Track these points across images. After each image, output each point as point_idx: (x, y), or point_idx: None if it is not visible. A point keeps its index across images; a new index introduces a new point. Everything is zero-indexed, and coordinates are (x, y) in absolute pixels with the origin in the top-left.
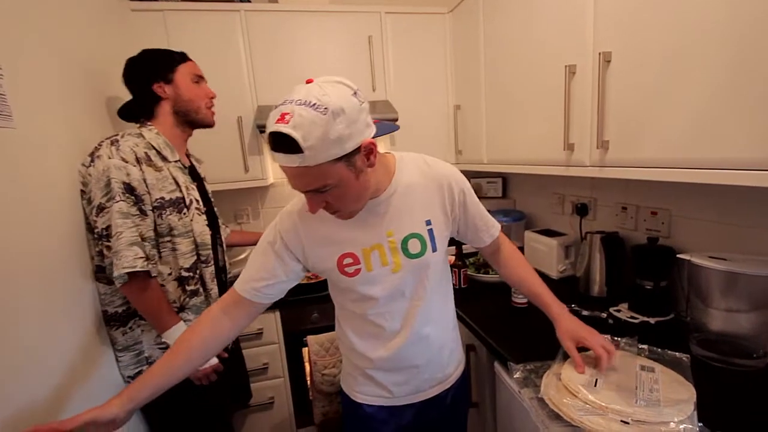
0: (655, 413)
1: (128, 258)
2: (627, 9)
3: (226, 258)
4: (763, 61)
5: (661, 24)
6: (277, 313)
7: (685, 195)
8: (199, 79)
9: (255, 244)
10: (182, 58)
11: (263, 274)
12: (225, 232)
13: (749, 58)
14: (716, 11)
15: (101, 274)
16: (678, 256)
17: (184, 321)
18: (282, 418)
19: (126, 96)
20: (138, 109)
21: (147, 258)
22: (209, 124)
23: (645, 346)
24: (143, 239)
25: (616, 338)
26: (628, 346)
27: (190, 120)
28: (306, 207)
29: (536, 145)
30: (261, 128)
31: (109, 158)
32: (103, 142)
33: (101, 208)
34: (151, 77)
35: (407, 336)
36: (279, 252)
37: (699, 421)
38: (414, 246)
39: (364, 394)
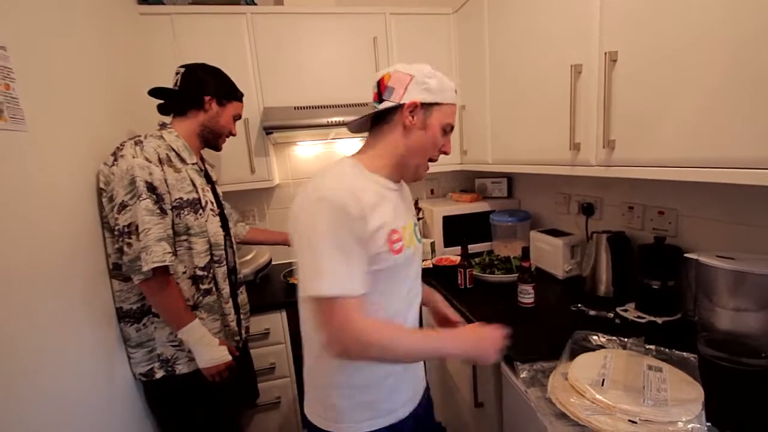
0: (662, 413)
1: (158, 253)
2: (633, 8)
3: (236, 259)
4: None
5: (667, 23)
6: (284, 313)
7: (693, 194)
8: (238, 117)
9: (277, 243)
10: (241, 97)
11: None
12: (244, 230)
13: (755, 56)
14: (721, 10)
15: (117, 271)
16: (685, 255)
17: (198, 319)
18: (288, 417)
19: (135, 98)
20: (175, 101)
21: (173, 253)
22: (217, 149)
23: (652, 347)
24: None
25: (623, 339)
26: (635, 346)
27: (207, 139)
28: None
29: (542, 145)
30: (267, 129)
31: (134, 158)
32: (126, 142)
33: (123, 206)
34: (211, 89)
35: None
36: (358, 250)
37: (707, 420)
38: (417, 232)
39: (372, 418)
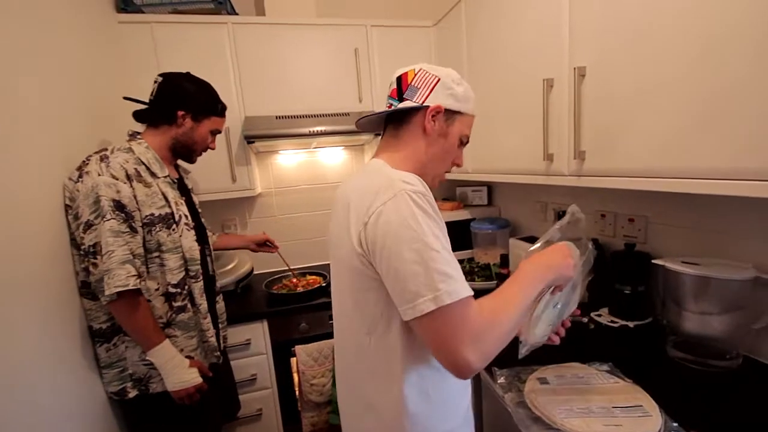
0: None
1: (121, 276)
2: (600, 25)
3: (215, 268)
4: (732, 75)
5: (633, 39)
6: (265, 323)
7: (661, 202)
8: (217, 132)
9: (239, 248)
10: (222, 112)
11: None
12: (211, 240)
13: (720, 72)
14: (688, 27)
15: (86, 289)
16: (653, 261)
17: (171, 337)
18: (270, 429)
19: (113, 108)
20: (147, 112)
21: (139, 276)
22: (190, 163)
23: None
24: (134, 256)
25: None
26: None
27: (180, 153)
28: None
29: (518, 155)
30: (248, 139)
31: (99, 175)
32: (91, 157)
33: (89, 225)
34: (185, 103)
35: None
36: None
37: (674, 421)
38: None
39: None
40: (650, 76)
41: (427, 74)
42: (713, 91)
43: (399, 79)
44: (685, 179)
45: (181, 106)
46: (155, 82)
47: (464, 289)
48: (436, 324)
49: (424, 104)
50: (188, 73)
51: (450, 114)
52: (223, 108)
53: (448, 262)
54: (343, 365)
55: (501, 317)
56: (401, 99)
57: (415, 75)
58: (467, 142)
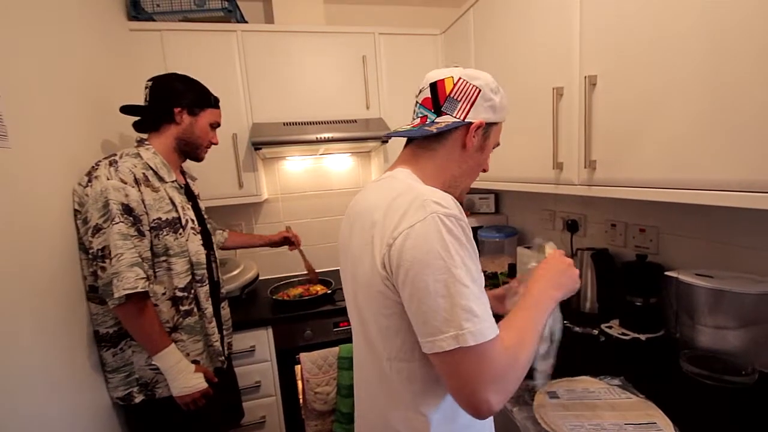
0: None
1: (130, 279)
2: (611, 34)
3: (220, 274)
4: (743, 86)
5: (645, 49)
6: (270, 330)
7: (673, 213)
8: (216, 125)
9: (254, 246)
10: (216, 103)
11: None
12: (223, 237)
13: (730, 82)
14: (698, 38)
15: (93, 294)
16: (666, 273)
17: (177, 341)
18: None
19: (122, 115)
20: (146, 119)
21: (147, 278)
22: (198, 161)
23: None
24: (142, 260)
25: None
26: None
27: (186, 151)
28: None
29: (526, 163)
30: (256, 145)
31: (108, 179)
32: (100, 162)
33: (98, 229)
34: (179, 100)
35: None
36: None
37: None
38: None
39: None
40: (662, 86)
41: (467, 85)
42: (725, 101)
43: (434, 87)
44: (697, 190)
45: (176, 102)
46: (146, 87)
47: (490, 330)
48: (456, 363)
49: (467, 120)
50: (175, 73)
51: (488, 126)
52: (216, 100)
53: (476, 297)
54: (364, 389)
55: (521, 354)
56: (438, 111)
57: (455, 85)
58: (497, 146)
